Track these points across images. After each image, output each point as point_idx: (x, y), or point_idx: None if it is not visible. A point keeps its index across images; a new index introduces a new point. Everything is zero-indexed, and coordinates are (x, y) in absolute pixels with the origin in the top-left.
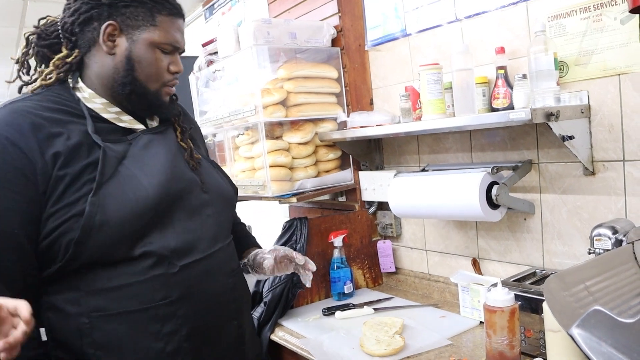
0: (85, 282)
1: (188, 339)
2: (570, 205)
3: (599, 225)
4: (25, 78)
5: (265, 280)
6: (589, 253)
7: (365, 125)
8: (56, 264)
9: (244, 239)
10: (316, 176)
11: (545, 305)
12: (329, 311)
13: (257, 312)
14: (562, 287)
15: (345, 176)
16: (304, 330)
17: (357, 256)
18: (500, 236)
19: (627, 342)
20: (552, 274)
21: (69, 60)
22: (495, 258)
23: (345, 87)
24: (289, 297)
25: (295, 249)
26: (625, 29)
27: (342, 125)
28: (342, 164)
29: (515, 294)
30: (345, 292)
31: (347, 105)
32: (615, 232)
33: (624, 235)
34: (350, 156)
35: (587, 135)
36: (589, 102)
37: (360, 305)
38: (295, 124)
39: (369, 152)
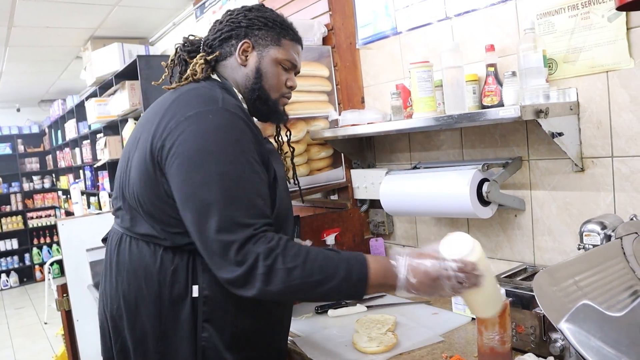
0: None
1: (288, 310)
2: (560, 201)
3: (588, 221)
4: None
5: None
6: (579, 249)
7: (357, 123)
8: None
9: None
10: (308, 174)
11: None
12: (322, 309)
13: None
14: (552, 282)
15: (337, 174)
16: (296, 329)
17: None
18: (491, 233)
19: (615, 336)
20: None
21: (209, 58)
22: (486, 255)
23: (336, 85)
24: None
25: None
26: (613, 26)
27: (334, 124)
28: (334, 162)
29: (506, 290)
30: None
31: (339, 104)
32: (604, 227)
33: (613, 231)
34: (342, 154)
35: (576, 132)
36: (577, 99)
37: (353, 303)
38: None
39: (361, 150)
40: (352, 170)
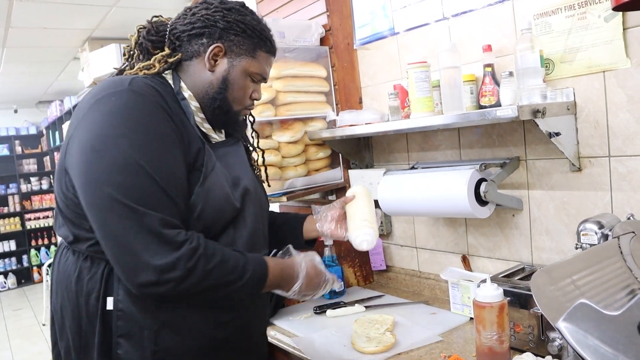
0: None
1: (236, 330)
2: (558, 201)
3: (586, 221)
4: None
5: None
6: (576, 248)
7: (355, 123)
8: None
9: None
10: (306, 175)
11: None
12: (320, 309)
13: None
14: (549, 282)
15: (335, 175)
16: (295, 329)
17: (347, 254)
18: (489, 233)
19: (612, 335)
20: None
21: (170, 60)
22: (484, 254)
23: (334, 85)
24: (280, 296)
25: None
26: (609, 26)
27: (332, 124)
28: (332, 163)
29: (504, 290)
30: (336, 290)
31: (336, 104)
32: (601, 227)
33: (610, 230)
34: (340, 155)
35: (573, 131)
36: (574, 99)
37: (352, 303)
38: (284, 123)
39: (359, 151)
40: (350, 171)
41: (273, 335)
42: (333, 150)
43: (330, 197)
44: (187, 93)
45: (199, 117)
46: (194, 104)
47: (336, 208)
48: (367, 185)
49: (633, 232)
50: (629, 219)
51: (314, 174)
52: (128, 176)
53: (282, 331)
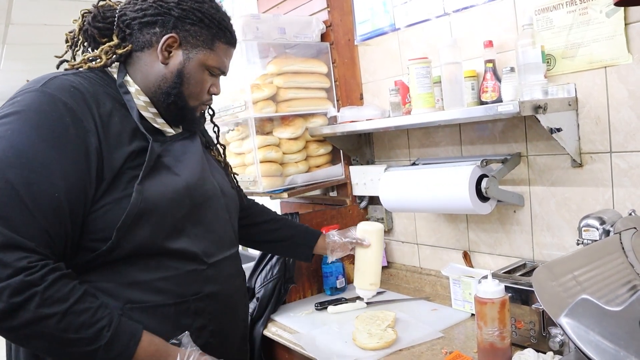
0: (121, 273)
1: (213, 334)
2: (559, 197)
3: (587, 216)
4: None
5: (258, 276)
6: (577, 244)
7: (355, 119)
8: (96, 252)
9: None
10: (307, 171)
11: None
12: (322, 306)
13: (249, 308)
14: (551, 277)
15: (336, 171)
16: (296, 325)
17: None
18: (490, 229)
19: (614, 330)
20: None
21: (119, 51)
22: (485, 251)
23: (335, 82)
24: (281, 292)
25: None
26: (611, 21)
27: (332, 120)
28: (333, 159)
29: (505, 286)
30: (338, 286)
31: (337, 100)
32: (602, 222)
33: (612, 226)
34: (341, 151)
35: (574, 127)
36: (576, 95)
37: (353, 300)
38: (285, 120)
39: (360, 147)
40: (351, 167)
41: (274, 331)
42: (334, 146)
43: (331, 194)
44: (133, 88)
45: (150, 113)
46: (143, 99)
47: (348, 245)
48: (367, 181)
49: (634, 228)
50: (630, 214)
51: (314, 170)
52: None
53: (284, 327)
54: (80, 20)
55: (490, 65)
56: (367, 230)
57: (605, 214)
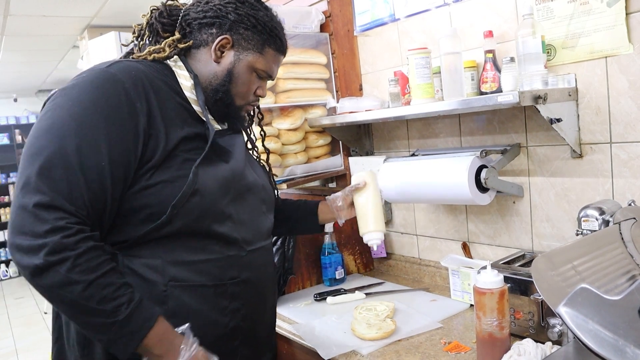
0: (167, 251)
1: (245, 318)
2: (559, 187)
3: (587, 207)
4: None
5: None
6: (577, 234)
7: (355, 110)
8: (149, 226)
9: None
10: (306, 162)
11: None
12: (321, 297)
13: None
14: (550, 267)
15: (335, 162)
16: (295, 316)
17: (348, 242)
18: (489, 220)
19: (613, 319)
20: None
21: (181, 45)
22: (485, 241)
23: (334, 72)
24: (280, 283)
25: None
26: (612, 11)
27: (332, 111)
28: (332, 150)
29: (504, 276)
30: (337, 277)
31: (337, 91)
32: (602, 213)
33: (611, 216)
34: (340, 142)
35: (574, 117)
36: (576, 85)
37: (352, 291)
38: (284, 110)
39: (359, 138)
40: (350, 158)
41: None
42: (333, 137)
43: (330, 185)
44: (189, 82)
45: (198, 107)
46: (195, 93)
47: (347, 197)
48: None
49: (634, 218)
50: (630, 205)
51: (314, 161)
52: (48, 154)
53: (283, 318)
54: (148, 15)
55: (490, 55)
56: (360, 175)
57: (605, 204)
